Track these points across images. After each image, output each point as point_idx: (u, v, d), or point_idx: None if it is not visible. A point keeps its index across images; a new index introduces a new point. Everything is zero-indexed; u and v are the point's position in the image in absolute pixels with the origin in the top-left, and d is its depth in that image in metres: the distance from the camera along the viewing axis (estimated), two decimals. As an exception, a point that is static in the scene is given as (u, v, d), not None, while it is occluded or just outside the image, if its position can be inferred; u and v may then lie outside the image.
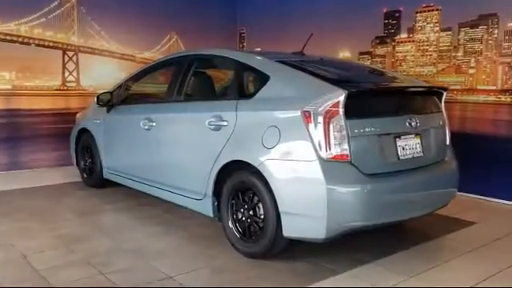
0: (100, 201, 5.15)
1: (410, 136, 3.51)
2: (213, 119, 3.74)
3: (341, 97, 3.05)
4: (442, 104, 3.97)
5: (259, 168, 3.29)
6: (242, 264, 3.42)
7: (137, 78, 5.31)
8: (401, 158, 3.41)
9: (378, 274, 3.27)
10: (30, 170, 7.21)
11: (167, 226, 4.24)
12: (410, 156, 3.48)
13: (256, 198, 3.41)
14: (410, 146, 3.49)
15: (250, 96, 3.63)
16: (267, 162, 3.26)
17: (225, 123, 3.65)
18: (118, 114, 5.22)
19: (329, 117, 3.06)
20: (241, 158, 3.48)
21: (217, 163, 3.65)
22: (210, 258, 3.50)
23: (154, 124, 4.45)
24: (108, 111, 5.30)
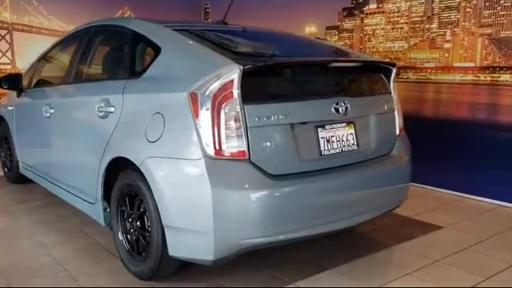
0: (10, 200, 5.10)
1: (339, 125, 3.18)
2: (102, 104, 3.51)
3: (234, 74, 2.69)
4: (391, 84, 3.63)
5: (141, 168, 2.99)
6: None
7: (48, 56, 5.21)
8: (324, 153, 3.08)
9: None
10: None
11: (68, 234, 4.09)
12: (338, 150, 3.15)
13: (143, 206, 3.12)
14: (338, 138, 3.15)
15: (140, 74, 3.33)
16: (149, 160, 2.95)
17: (112, 109, 3.41)
18: (26, 100, 5.14)
19: (219, 101, 2.71)
20: (123, 155, 3.20)
21: (103, 160, 3.41)
22: (92, 277, 3.28)
23: (53, 111, 4.35)
24: (18, 96, 5.24)
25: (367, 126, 3.37)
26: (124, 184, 3.26)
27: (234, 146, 2.71)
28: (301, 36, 4.59)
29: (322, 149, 3.05)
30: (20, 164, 5.36)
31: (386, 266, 3.50)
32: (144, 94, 3.21)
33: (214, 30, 3.62)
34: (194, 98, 2.74)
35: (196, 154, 2.71)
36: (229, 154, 2.71)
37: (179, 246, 2.90)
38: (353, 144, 3.22)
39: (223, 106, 2.69)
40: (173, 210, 2.86)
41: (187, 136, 2.78)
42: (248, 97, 2.73)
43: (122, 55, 3.77)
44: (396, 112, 3.62)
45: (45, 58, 5.22)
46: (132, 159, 3.08)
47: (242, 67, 2.67)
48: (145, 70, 3.29)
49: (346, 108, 3.12)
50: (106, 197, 3.49)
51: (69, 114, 4.18)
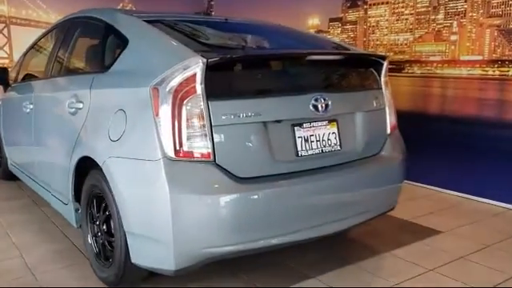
0: (-3, 197, 5.24)
1: (320, 124, 3.08)
2: (73, 100, 3.53)
3: (197, 67, 2.60)
4: (382, 78, 3.54)
5: (103, 168, 2.95)
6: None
7: (32, 49, 5.34)
8: (301, 153, 2.99)
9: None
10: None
11: (46, 235, 4.10)
12: (318, 151, 3.06)
13: (109, 209, 3.10)
14: (318, 138, 3.06)
15: (108, 68, 3.32)
16: (110, 160, 2.90)
17: (80, 105, 3.42)
18: (11, 95, 5.28)
19: (181, 97, 2.61)
20: (88, 154, 3.19)
21: (72, 159, 3.41)
22: (59, 284, 3.25)
23: (32, 106, 4.46)
24: (5, 91, 5.42)
25: (352, 124, 3.28)
26: (91, 185, 3.23)
27: (196, 146, 2.63)
28: (289, 28, 4.51)
29: (299, 149, 2.96)
30: (8, 161, 5.47)
31: (374, 274, 3.39)
32: (108, 89, 3.19)
33: (192, 21, 3.56)
34: (155, 93, 2.66)
35: (155, 154, 2.63)
36: (190, 155, 2.63)
37: (141, 254, 2.84)
38: (335, 144, 3.13)
39: (185, 102, 2.60)
40: (133, 214, 2.80)
41: (147, 135, 2.69)
42: (214, 92, 2.63)
43: (94, 48, 3.76)
44: (387, 109, 3.52)
45: (30, 51, 5.32)
46: (95, 159, 3.04)
47: (205, 60, 2.57)
48: (112, 64, 3.26)
49: (327, 105, 3.02)
50: (79, 198, 3.47)
51: (45, 110, 4.22)
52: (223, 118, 2.65)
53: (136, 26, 3.32)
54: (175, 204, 2.57)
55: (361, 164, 3.26)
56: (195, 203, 2.61)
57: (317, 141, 3.03)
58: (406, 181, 5.29)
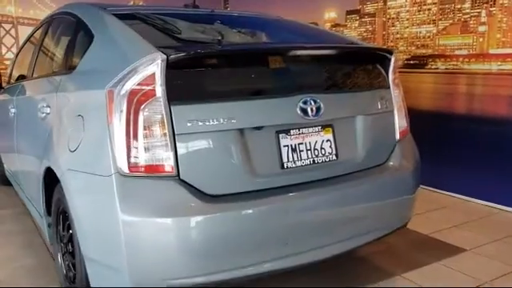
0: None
1: (311, 130, 2.92)
2: (43, 104, 3.56)
3: (155, 65, 2.45)
4: (390, 76, 3.35)
5: (61, 181, 2.91)
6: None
7: (21, 50, 5.55)
8: (288, 165, 2.82)
9: None
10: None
11: (26, 248, 4.18)
12: (309, 162, 2.89)
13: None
14: (308, 146, 2.89)
15: (74, 68, 3.29)
16: (67, 173, 2.85)
17: (48, 110, 3.44)
18: (2, 97, 5.46)
19: (138, 101, 2.47)
20: (50, 165, 3.16)
21: (40, 169, 3.40)
22: None
23: (14, 110, 4.59)
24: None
25: (352, 130, 3.12)
26: (57, 199, 3.18)
27: (155, 159, 2.48)
28: (288, 21, 4.40)
29: (285, 160, 2.80)
30: (5, 166, 5.73)
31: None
32: (69, 92, 3.19)
33: (172, 14, 3.49)
34: (110, 96, 2.53)
35: (106, 169, 2.50)
36: (148, 170, 2.48)
37: (100, 281, 2.74)
38: (330, 153, 2.97)
39: (142, 107, 2.46)
40: (88, 238, 2.71)
41: (99, 146, 2.58)
42: (177, 95, 2.49)
43: (66, 47, 3.76)
44: (396, 111, 3.34)
45: (20, 51, 5.57)
46: (55, 171, 3.01)
47: (165, 57, 2.43)
48: (78, 63, 3.25)
49: (318, 108, 2.84)
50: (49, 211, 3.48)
51: (23, 115, 4.34)
52: (189, 125, 2.51)
53: (102, 20, 3.25)
54: (129, 228, 2.44)
55: (363, 176, 3.09)
56: (153, 227, 2.47)
57: (307, 150, 2.88)
58: (430, 188, 5.23)
